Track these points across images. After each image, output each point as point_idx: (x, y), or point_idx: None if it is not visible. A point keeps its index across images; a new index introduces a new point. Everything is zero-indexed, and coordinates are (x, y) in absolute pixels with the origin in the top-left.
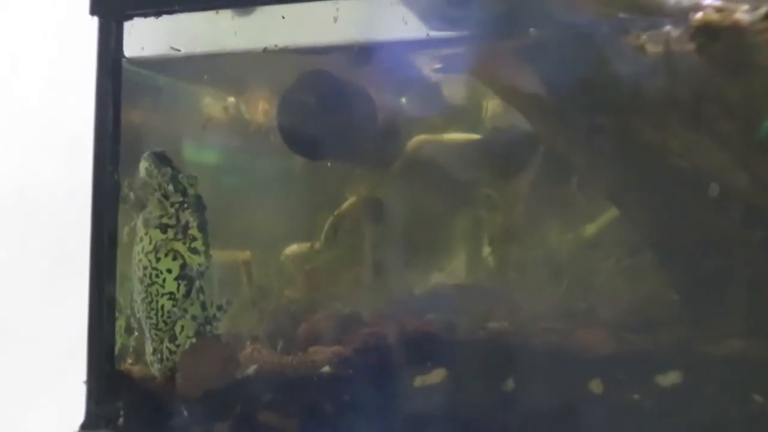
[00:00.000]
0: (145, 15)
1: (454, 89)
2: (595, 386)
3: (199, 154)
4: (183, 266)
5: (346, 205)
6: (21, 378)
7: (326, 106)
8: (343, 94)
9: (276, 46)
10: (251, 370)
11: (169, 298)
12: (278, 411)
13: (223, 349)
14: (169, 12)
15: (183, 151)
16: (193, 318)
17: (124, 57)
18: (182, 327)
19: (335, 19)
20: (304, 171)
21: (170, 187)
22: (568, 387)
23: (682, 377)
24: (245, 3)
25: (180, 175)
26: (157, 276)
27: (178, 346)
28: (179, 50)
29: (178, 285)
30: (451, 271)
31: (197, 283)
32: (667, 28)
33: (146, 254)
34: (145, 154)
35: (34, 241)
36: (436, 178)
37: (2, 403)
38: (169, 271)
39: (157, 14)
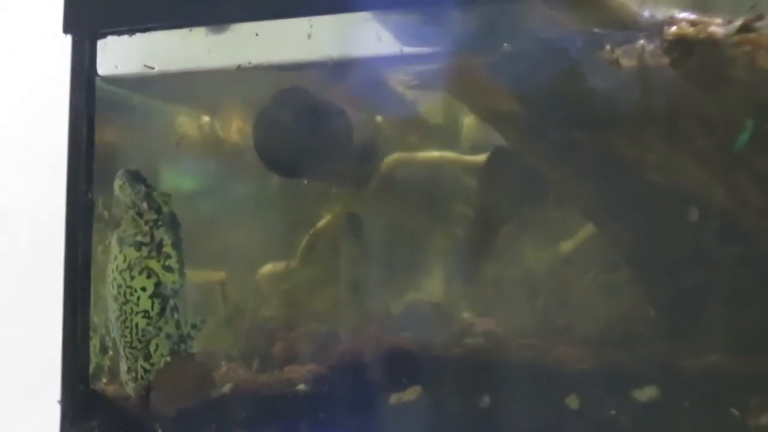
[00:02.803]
0: (119, 33)
1: (430, 106)
2: (572, 402)
3: (174, 172)
4: (157, 284)
5: (321, 223)
6: None
7: (301, 123)
8: (318, 112)
9: (250, 63)
10: (226, 388)
11: (144, 317)
12: (253, 429)
13: (197, 368)
14: (143, 30)
15: (157, 170)
16: (168, 336)
17: (98, 75)
18: (157, 345)
19: (309, 36)
20: (279, 190)
21: (144, 205)
22: (544, 403)
23: (659, 392)
24: (218, 21)
25: (154, 193)
26: (131, 294)
27: (152, 364)
28: (153, 68)
29: (153, 303)
30: (428, 289)
31: (171, 302)
32: (642, 42)
33: (120, 272)
34: (119, 173)
35: (9, 259)
36: (412, 196)
37: None
38: (143, 289)
39: (131, 32)
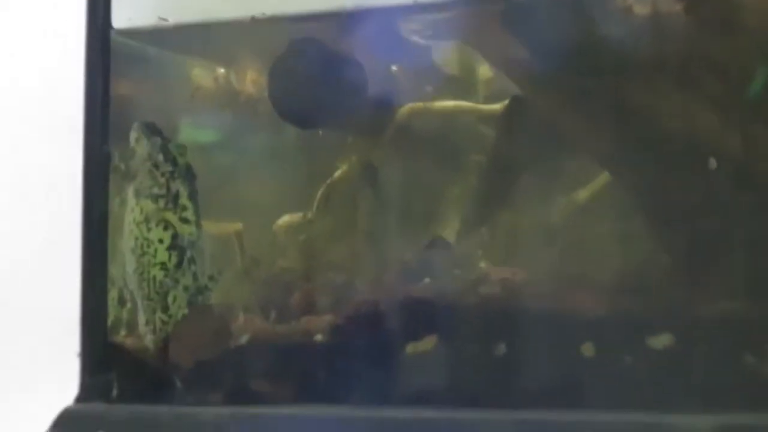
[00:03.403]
0: None
1: (445, 55)
2: (587, 350)
3: (189, 124)
4: (174, 236)
5: (338, 173)
6: (14, 352)
7: (316, 73)
8: (333, 62)
9: (264, 14)
10: (244, 339)
11: (161, 268)
12: (271, 379)
13: (215, 319)
14: None
15: (173, 122)
16: (185, 288)
17: (113, 28)
18: (174, 297)
19: None
20: (295, 141)
21: (160, 157)
22: (560, 351)
23: (674, 339)
24: None
25: (170, 145)
26: (148, 246)
27: (170, 316)
28: (167, 20)
29: (170, 255)
30: (444, 238)
31: (188, 253)
32: None
33: (137, 224)
34: (135, 125)
35: (27, 214)
36: (428, 146)
37: None
38: (160, 241)
39: None
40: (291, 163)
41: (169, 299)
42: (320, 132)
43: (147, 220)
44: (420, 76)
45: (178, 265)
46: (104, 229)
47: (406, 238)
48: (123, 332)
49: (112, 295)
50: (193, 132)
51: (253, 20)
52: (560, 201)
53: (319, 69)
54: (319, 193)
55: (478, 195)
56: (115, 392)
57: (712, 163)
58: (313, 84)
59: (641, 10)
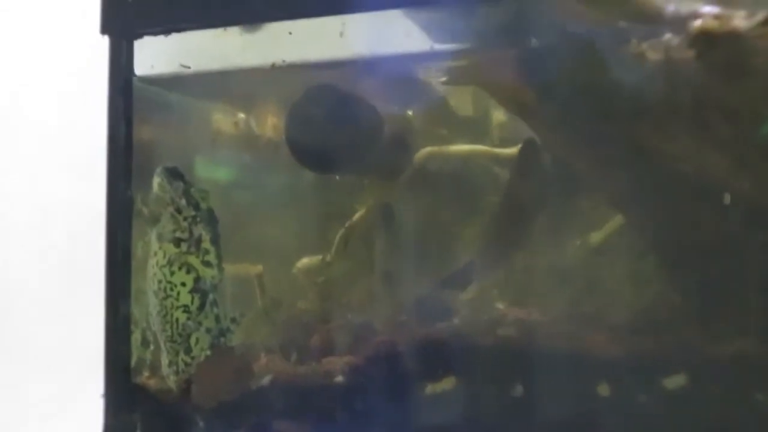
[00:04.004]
0: (155, 33)
1: (460, 100)
2: (603, 389)
3: (210, 169)
4: (197, 279)
5: (356, 216)
6: (40, 392)
7: (332, 119)
8: (349, 107)
9: (284, 61)
10: (266, 380)
11: (184, 311)
12: (293, 420)
13: (237, 361)
14: (178, 30)
15: (194, 166)
16: (208, 330)
17: (135, 75)
18: (197, 339)
19: (341, 34)
20: (313, 184)
21: (183, 202)
22: (576, 391)
23: (688, 379)
24: (252, 20)
25: (192, 189)
26: (171, 289)
27: (193, 358)
28: (189, 67)
29: (192, 298)
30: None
31: (211, 296)
32: (667, 36)
33: (160, 268)
34: (158, 170)
35: (51, 257)
36: (444, 188)
37: (22, 418)
38: (183, 284)
39: (167, 32)
40: (310, 206)
41: (192, 341)
42: (337, 176)
43: (170, 264)
44: (435, 120)
45: (201, 307)
46: (128, 272)
47: (423, 279)
48: (146, 373)
49: (136, 336)
50: (214, 175)
51: (273, 67)
52: (574, 242)
53: (336, 114)
54: (338, 236)
55: (493, 236)
56: None
57: (727, 197)
58: (329, 129)
59: (654, 56)
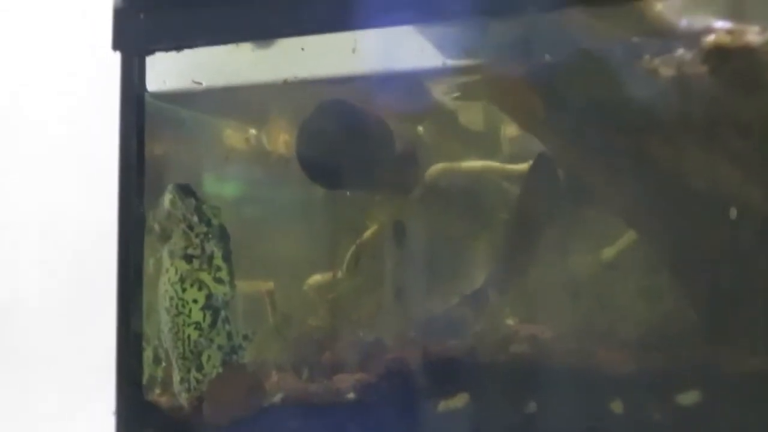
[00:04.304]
0: (167, 49)
1: (471, 116)
2: (616, 407)
3: (222, 185)
4: (209, 296)
5: (367, 234)
6: (50, 409)
7: (343, 134)
8: (360, 123)
9: (296, 77)
10: (277, 398)
11: (196, 328)
12: None
13: (249, 378)
14: (190, 46)
15: (206, 183)
16: (219, 347)
17: (147, 91)
18: (209, 356)
19: (353, 50)
20: (324, 201)
21: (195, 218)
22: (589, 408)
23: (702, 396)
24: (264, 36)
25: (204, 206)
26: (183, 306)
27: (204, 375)
28: (201, 83)
29: (204, 315)
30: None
31: (222, 313)
32: (680, 51)
33: (172, 285)
34: (170, 187)
35: (62, 273)
36: (455, 204)
37: None
38: (195, 301)
39: (179, 48)
40: (321, 222)
41: (204, 358)
42: (348, 192)
43: (182, 281)
44: (446, 135)
45: (213, 324)
46: (139, 289)
47: (435, 295)
48: (158, 390)
49: (147, 353)
50: (226, 191)
51: (286, 83)
52: (586, 258)
53: (346, 130)
54: (349, 253)
55: (505, 252)
56: None
57: (733, 212)
58: (340, 145)
59: (667, 71)
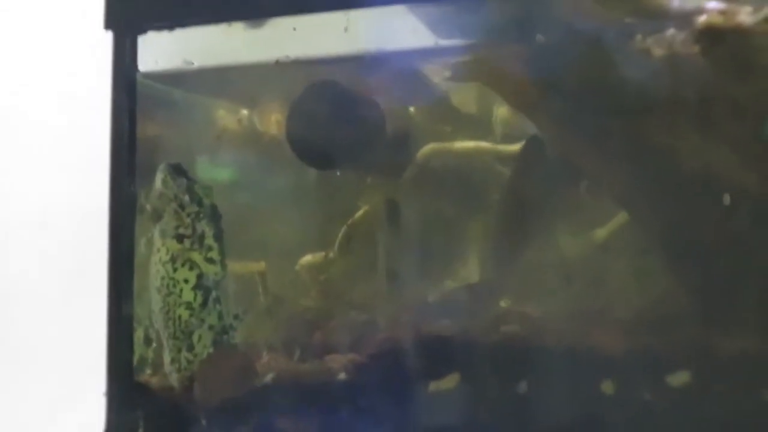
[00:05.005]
0: (159, 29)
1: (464, 96)
2: (607, 387)
3: (213, 166)
4: (200, 276)
5: (359, 214)
6: (41, 390)
7: (333, 115)
8: (350, 103)
9: (288, 57)
10: (268, 378)
11: (187, 308)
12: (296, 417)
13: (240, 358)
14: (182, 25)
15: (197, 162)
16: (210, 328)
17: (139, 71)
18: (200, 336)
19: (346, 29)
20: (316, 181)
21: (186, 198)
22: (580, 388)
23: (693, 377)
24: (256, 15)
25: (195, 186)
26: (174, 286)
27: (195, 355)
28: (193, 63)
29: (195, 294)
30: (465, 277)
31: (214, 293)
32: (672, 31)
33: (163, 264)
34: (161, 166)
35: (53, 254)
36: (447, 185)
37: (23, 417)
38: (186, 281)
39: (171, 28)
40: (313, 203)
41: (195, 338)
42: (338, 173)
43: (173, 260)
44: (438, 116)
45: (204, 304)
46: (130, 269)
47: (427, 276)
48: (148, 371)
49: (138, 334)
50: (217, 172)
51: (278, 63)
52: (578, 239)
53: (337, 110)
54: (341, 233)
55: (497, 233)
56: (140, 431)
57: (726, 198)
58: (330, 125)
59: (659, 51)
